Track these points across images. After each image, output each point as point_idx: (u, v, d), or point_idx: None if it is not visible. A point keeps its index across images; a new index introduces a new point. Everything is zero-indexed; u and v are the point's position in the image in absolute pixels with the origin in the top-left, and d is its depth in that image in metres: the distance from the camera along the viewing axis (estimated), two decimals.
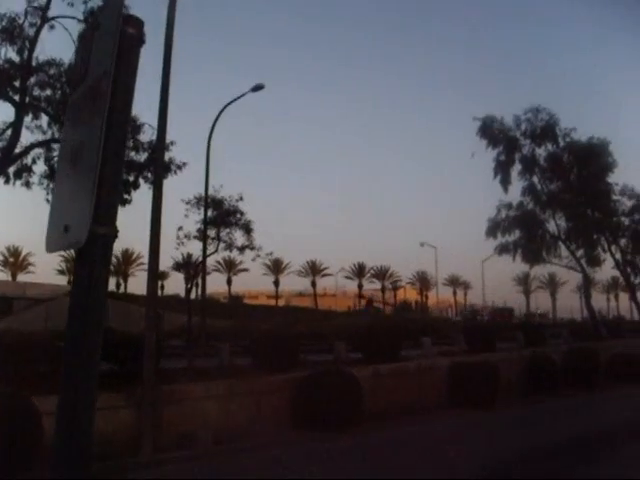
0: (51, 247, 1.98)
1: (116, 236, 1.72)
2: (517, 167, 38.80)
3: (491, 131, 37.99)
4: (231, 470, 11.48)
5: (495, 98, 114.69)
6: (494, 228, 39.66)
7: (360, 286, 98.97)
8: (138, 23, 1.81)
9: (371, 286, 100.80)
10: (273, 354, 16.30)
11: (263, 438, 13.69)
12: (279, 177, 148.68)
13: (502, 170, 38.51)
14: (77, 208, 1.69)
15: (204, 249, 24.23)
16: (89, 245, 1.62)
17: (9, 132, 16.08)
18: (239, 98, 25.76)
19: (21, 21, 15.03)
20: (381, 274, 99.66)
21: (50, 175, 16.69)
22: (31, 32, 15.17)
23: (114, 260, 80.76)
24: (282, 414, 14.96)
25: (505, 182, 38.72)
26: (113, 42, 1.62)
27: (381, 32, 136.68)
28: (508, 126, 38.17)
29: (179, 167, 17.25)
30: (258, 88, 25.56)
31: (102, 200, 1.62)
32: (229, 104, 25.70)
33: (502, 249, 40.45)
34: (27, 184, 16.69)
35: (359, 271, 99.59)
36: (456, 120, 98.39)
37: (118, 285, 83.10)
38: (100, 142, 1.60)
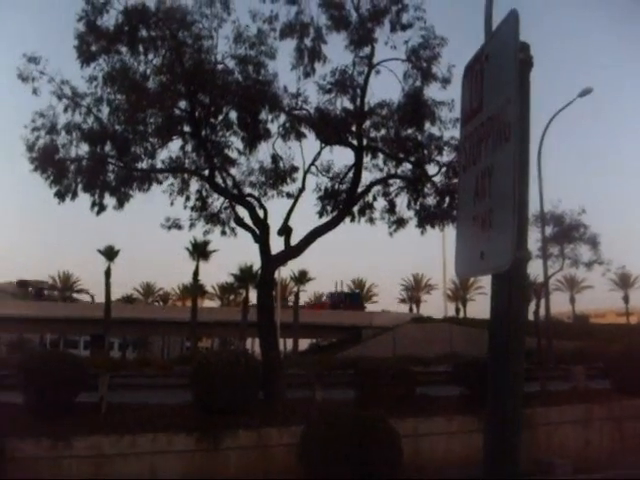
0: (463, 272, 2.09)
1: (530, 258, 1.74)
2: None
3: None
4: None
5: None
6: None
7: None
8: (525, 47, 1.86)
9: None
10: (632, 376, 15.04)
11: (628, 468, 12.61)
12: (621, 183, 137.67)
13: None
14: (494, 234, 1.76)
15: (545, 267, 23.54)
16: (507, 269, 1.66)
17: (350, 174, 17.38)
18: (567, 106, 24.77)
19: (350, 72, 16.27)
20: None
21: (390, 209, 17.60)
22: (360, 80, 16.32)
23: (453, 286, 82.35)
24: None
25: None
26: (515, 70, 1.68)
27: None
28: None
29: None
30: (586, 92, 24.28)
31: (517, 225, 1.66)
32: (557, 113, 24.82)
33: None
34: (370, 220, 17.80)
35: None
36: None
37: (457, 310, 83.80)
38: (513, 167, 1.65)
